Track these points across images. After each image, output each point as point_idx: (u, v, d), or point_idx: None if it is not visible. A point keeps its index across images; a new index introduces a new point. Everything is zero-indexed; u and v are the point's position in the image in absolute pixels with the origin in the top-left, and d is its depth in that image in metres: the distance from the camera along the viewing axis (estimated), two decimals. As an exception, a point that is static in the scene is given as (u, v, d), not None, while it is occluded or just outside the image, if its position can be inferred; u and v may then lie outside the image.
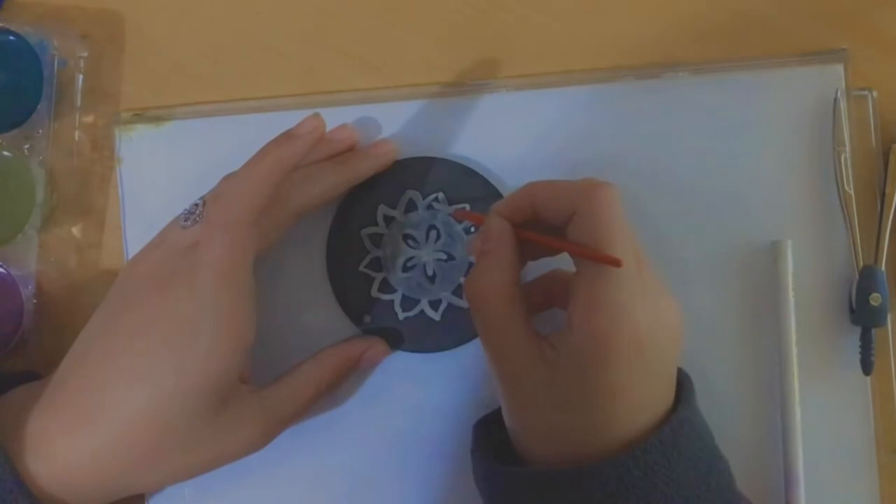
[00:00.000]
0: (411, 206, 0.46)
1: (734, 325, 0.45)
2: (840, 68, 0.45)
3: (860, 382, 0.45)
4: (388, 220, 0.46)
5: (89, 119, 0.47)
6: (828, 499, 0.44)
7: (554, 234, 0.38)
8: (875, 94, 0.45)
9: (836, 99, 0.45)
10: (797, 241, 0.45)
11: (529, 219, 0.39)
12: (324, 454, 0.45)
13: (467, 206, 0.45)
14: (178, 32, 0.47)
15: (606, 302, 0.36)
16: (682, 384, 0.39)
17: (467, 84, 0.47)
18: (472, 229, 0.45)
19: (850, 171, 0.44)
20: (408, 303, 0.45)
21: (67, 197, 0.47)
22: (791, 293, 0.44)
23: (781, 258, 0.44)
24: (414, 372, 0.45)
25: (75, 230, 0.47)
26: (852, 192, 0.44)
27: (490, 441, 0.40)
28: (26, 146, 0.46)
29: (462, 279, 0.45)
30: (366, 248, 0.46)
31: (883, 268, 0.44)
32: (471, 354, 0.45)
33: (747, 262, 0.45)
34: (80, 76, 0.47)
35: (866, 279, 0.44)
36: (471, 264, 0.45)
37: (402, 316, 0.45)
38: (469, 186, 0.45)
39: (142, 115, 0.47)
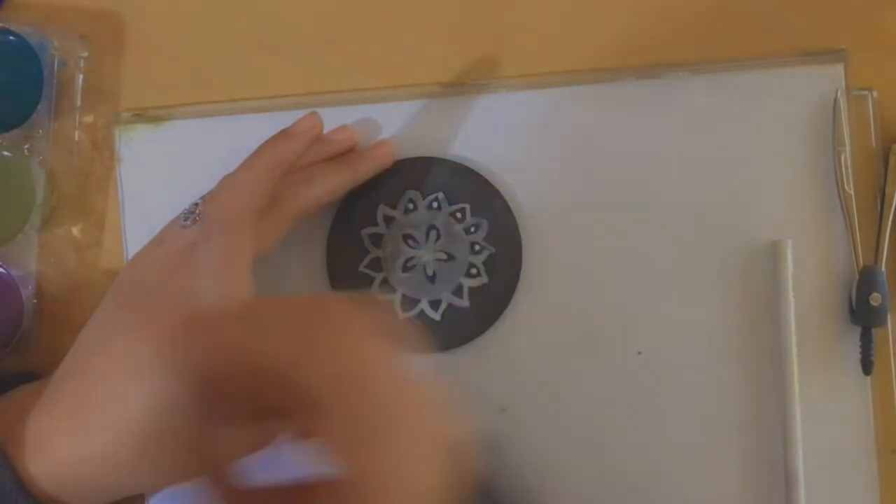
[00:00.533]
0: (411, 206, 0.46)
1: (734, 325, 0.45)
2: (840, 68, 0.45)
3: (860, 382, 0.45)
4: (388, 220, 0.46)
5: (89, 119, 0.47)
6: (828, 499, 0.44)
7: None
8: (875, 94, 0.45)
9: (836, 99, 0.45)
10: (797, 241, 0.45)
11: None
12: (323, 453, 0.45)
13: (467, 207, 0.45)
14: (178, 32, 0.47)
15: None
16: None
17: (467, 84, 0.47)
18: (473, 229, 0.45)
19: (850, 171, 0.44)
20: (408, 303, 0.45)
21: (67, 197, 0.47)
22: (791, 293, 0.44)
23: (781, 258, 0.44)
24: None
25: (75, 230, 0.47)
26: (852, 192, 0.44)
27: None
28: (26, 146, 0.46)
29: (462, 279, 0.45)
30: (366, 248, 0.46)
31: (883, 268, 0.44)
32: (471, 355, 0.45)
33: (747, 262, 0.45)
34: (80, 76, 0.47)
35: (866, 279, 0.44)
36: (471, 264, 0.45)
37: (402, 316, 0.45)
38: (469, 186, 0.45)
39: (142, 115, 0.47)
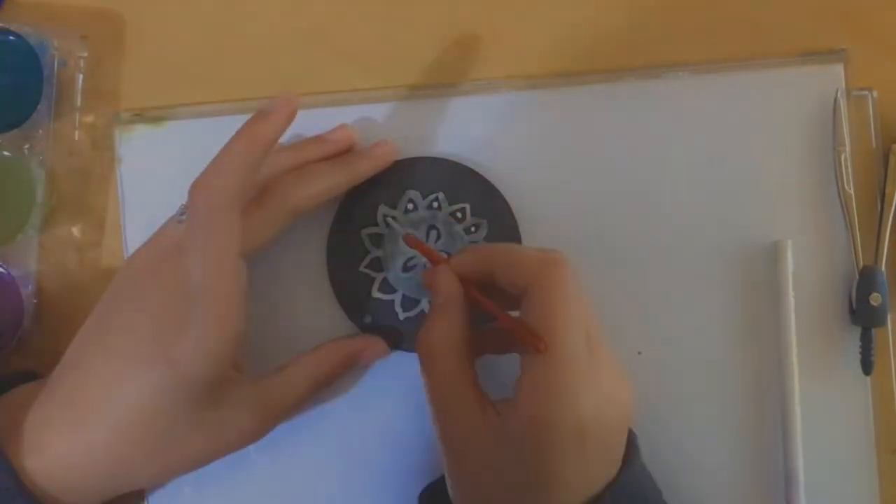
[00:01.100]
0: (411, 206, 0.46)
1: (734, 324, 0.45)
2: (840, 68, 0.45)
3: (860, 382, 0.45)
4: (388, 220, 0.46)
5: (89, 119, 0.47)
6: (828, 499, 0.44)
7: (509, 300, 0.38)
8: (875, 94, 0.45)
9: (836, 99, 0.45)
10: (797, 241, 0.45)
11: (486, 280, 0.39)
12: (323, 453, 0.45)
13: (467, 207, 0.45)
14: (178, 32, 0.47)
15: (551, 386, 0.36)
16: (628, 443, 0.39)
17: (466, 84, 0.47)
18: (473, 229, 0.45)
19: (850, 171, 0.44)
20: (408, 303, 0.45)
21: (67, 197, 0.47)
22: (791, 293, 0.44)
23: (781, 258, 0.44)
24: (414, 372, 0.45)
25: (75, 230, 0.47)
26: (852, 192, 0.44)
27: None
28: (26, 146, 0.46)
29: (462, 279, 0.45)
30: (366, 248, 0.46)
31: (883, 268, 0.44)
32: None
33: (747, 262, 0.45)
34: (80, 76, 0.47)
35: (866, 279, 0.44)
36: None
37: (402, 316, 0.45)
38: (469, 186, 0.46)
39: (142, 115, 0.47)
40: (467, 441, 0.37)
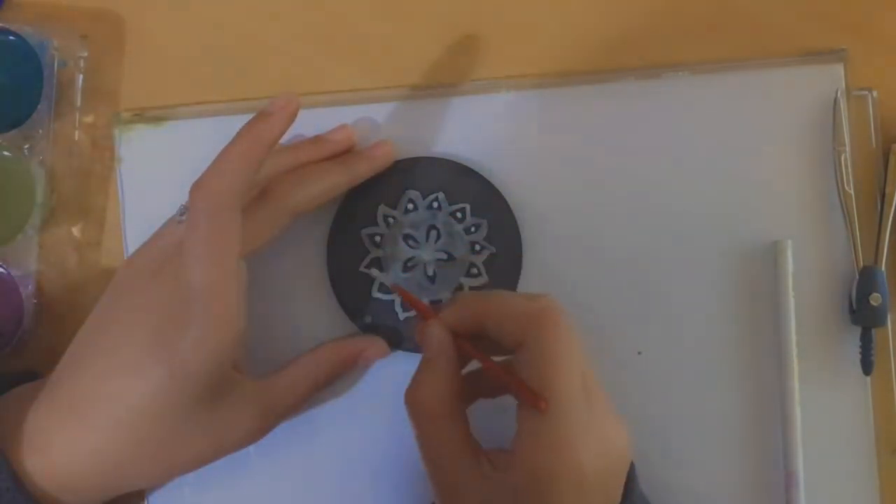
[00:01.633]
0: (411, 207, 0.46)
1: (734, 324, 0.45)
2: (840, 68, 0.45)
3: (860, 382, 0.45)
4: (388, 220, 0.46)
5: (89, 119, 0.47)
6: (828, 499, 0.44)
7: (502, 350, 0.38)
8: (875, 94, 0.45)
9: (836, 99, 0.45)
10: (797, 241, 0.45)
11: (478, 331, 0.39)
12: (323, 453, 0.45)
13: (467, 207, 0.45)
14: (178, 32, 0.47)
15: (549, 439, 0.35)
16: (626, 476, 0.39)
17: (467, 84, 0.46)
18: (473, 229, 0.45)
19: (850, 171, 0.44)
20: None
21: (67, 197, 0.47)
22: (791, 293, 0.44)
23: (781, 258, 0.44)
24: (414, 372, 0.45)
25: (75, 230, 0.47)
26: (852, 192, 0.44)
27: None
28: (26, 146, 0.46)
29: (462, 279, 0.45)
30: (366, 248, 0.46)
31: (883, 268, 0.44)
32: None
33: (747, 262, 0.45)
34: (80, 76, 0.47)
35: (866, 279, 0.44)
36: (471, 264, 0.45)
37: (402, 316, 0.45)
38: (469, 186, 0.46)
39: (142, 115, 0.47)
40: (461, 495, 0.37)
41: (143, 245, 0.42)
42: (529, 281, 0.45)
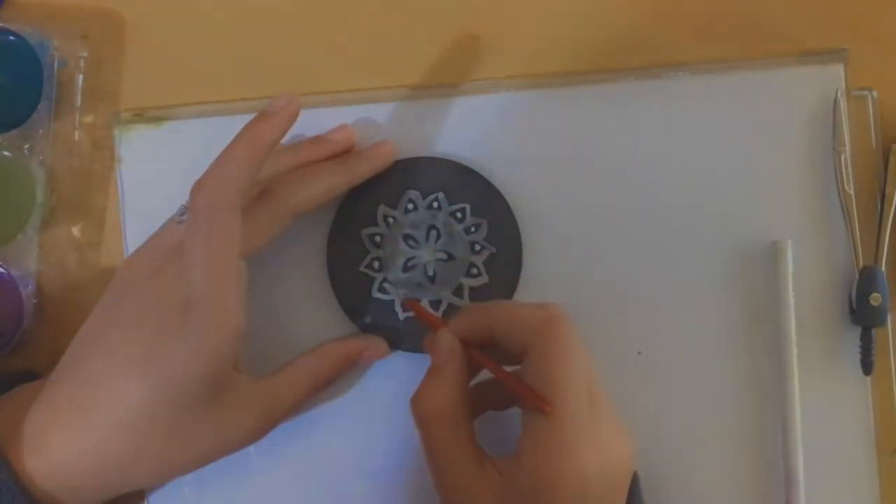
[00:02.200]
0: (411, 207, 0.46)
1: (734, 324, 0.45)
2: (840, 68, 0.45)
3: (860, 382, 0.45)
4: (388, 220, 0.46)
5: (89, 119, 0.47)
6: (828, 499, 0.44)
7: (510, 359, 0.39)
8: (875, 94, 0.45)
9: (836, 99, 0.45)
10: (797, 241, 0.45)
11: (486, 340, 0.39)
12: (324, 453, 0.45)
13: (467, 207, 0.45)
14: (178, 32, 0.47)
15: (554, 445, 0.36)
16: (630, 486, 0.39)
17: (467, 84, 0.47)
18: (473, 229, 0.45)
19: (850, 171, 0.44)
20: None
21: (67, 197, 0.47)
22: (791, 293, 0.44)
23: (781, 258, 0.44)
24: (415, 372, 0.45)
25: (75, 230, 0.47)
26: (852, 192, 0.44)
27: None
28: (26, 146, 0.46)
29: (462, 279, 0.45)
30: (366, 248, 0.46)
31: (883, 268, 0.44)
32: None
33: (747, 262, 0.45)
34: (80, 76, 0.47)
35: (866, 279, 0.44)
36: (471, 264, 0.45)
37: (402, 316, 0.45)
38: (469, 186, 0.46)
39: (142, 115, 0.47)
40: (467, 501, 0.37)
41: (143, 245, 0.42)
42: (529, 281, 0.45)
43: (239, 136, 0.39)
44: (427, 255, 0.45)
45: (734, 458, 0.45)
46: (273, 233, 0.42)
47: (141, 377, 0.37)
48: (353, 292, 0.45)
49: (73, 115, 0.47)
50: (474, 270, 0.45)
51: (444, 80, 0.47)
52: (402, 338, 0.45)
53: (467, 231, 0.45)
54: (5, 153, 0.45)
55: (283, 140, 0.42)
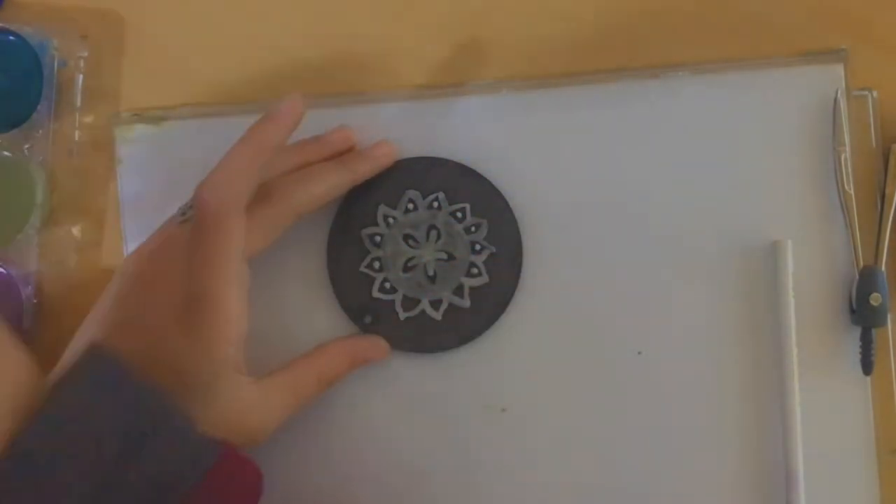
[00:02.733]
0: (411, 206, 0.46)
1: (734, 324, 0.45)
2: (840, 68, 0.45)
3: (860, 382, 0.45)
4: (388, 220, 0.46)
5: (89, 119, 0.47)
6: (828, 499, 0.44)
7: None
8: (875, 94, 0.45)
9: (836, 99, 0.45)
10: (797, 241, 0.45)
11: None
12: (324, 453, 0.45)
13: (467, 207, 0.45)
14: (178, 32, 0.47)
15: None
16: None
17: (467, 84, 0.47)
18: (473, 229, 0.45)
19: (850, 171, 0.44)
20: (408, 303, 0.45)
21: (67, 197, 0.47)
22: (791, 293, 0.44)
23: (781, 258, 0.44)
24: (415, 372, 0.45)
25: (75, 230, 0.47)
26: (852, 192, 0.44)
27: None
28: (26, 146, 0.46)
29: (463, 279, 0.45)
30: (366, 248, 0.46)
31: (883, 268, 0.44)
32: (472, 354, 0.45)
33: (747, 262, 0.45)
34: (80, 76, 0.47)
35: (866, 279, 0.44)
36: (471, 264, 0.45)
37: (402, 316, 0.45)
38: (469, 186, 0.46)
39: (142, 115, 0.47)
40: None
41: (143, 244, 0.42)
42: (529, 281, 0.45)
43: (244, 138, 0.39)
44: (427, 254, 0.45)
45: (734, 458, 0.45)
46: (275, 233, 0.42)
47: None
48: (353, 292, 0.45)
49: (73, 115, 0.47)
50: (474, 270, 0.45)
51: (445, 81, 0.47)
52: (403, 338, 0.45)
53: (467, 231, 0.45)
54: (5, 153, 0.45)
55: (284, 140, 0.42)
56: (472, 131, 0.46)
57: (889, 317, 0.44)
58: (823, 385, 0.44)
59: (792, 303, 0.44)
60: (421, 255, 0.45)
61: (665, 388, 0.45)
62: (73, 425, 0.32)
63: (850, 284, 0.45)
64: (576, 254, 0.46)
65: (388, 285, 0.45)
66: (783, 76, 0.45)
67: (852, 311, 0.44)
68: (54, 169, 0.46)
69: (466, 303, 0.45)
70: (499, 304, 0.45)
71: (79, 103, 0.47)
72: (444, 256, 0.45)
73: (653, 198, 0.45)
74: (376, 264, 0.46)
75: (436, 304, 0.45)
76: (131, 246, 0.46)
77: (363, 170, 0.44)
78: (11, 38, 0.45)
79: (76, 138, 0.47)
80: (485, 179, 0.46)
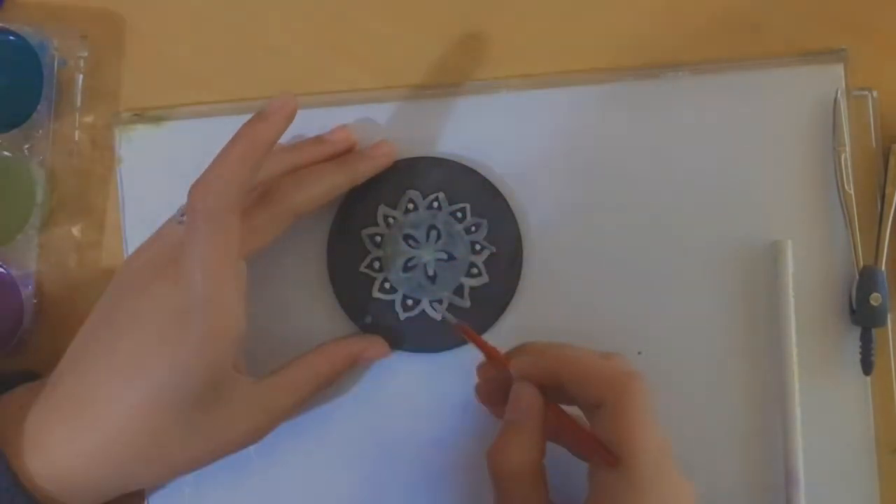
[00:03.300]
0: (411, 206, 0.46)
1: (734, 324, 0.45)
2: (840, 68, 0.45)
3: (860, 382, 0.45)
4: (388, 220, 0.46)
5: (89, 119, 0.47)
6: (828, 499, 0.44)
7: (569, 401, 0.39)
8: (875, 94, 0.45)
9: (836, 99, 0.45)
10: (797, 241, 0.45)
11: (548, 384, 0.39)
12: (324, 453, 0.45)
13: (467, 207, 0.45)
14: (177, 32, 0.47)
15: (621, 500, 0.36)
16: None
17: (467, 84, 0.47)
18: (473, 229, 0.45)
19: (850, 171, 0.44)
20: (409, 303, 0.45)
21: (67, 197, 0.47)
22: (791, 293, 0.44)
23: (781, 258, 0.44)
24: (415, 372, 0.45)
25: (75, 230, 0.47)
26: (852, 192, 0.44)
27: None
28: (26, 146, 0.46)
29: (463, 279, 0.45)
30: (366, 248, 0.46)
31: (883, 268, 0.44)
32: (472, 354, 0.45)
33: (747, 262, 0.45)
34: (80, 76, 0.47)
35: (866, 279, 0.44)
36: (471, 264, 0.45)
37: (402, 316, 0.45)
38: (469, 186, 0.46)
39: (142, 115, 0.47)
40: None
41: (143, 245, 0.42)
42: (529, 281, 0.45)
43: (236, 137, 0.39)
44: (427, 254, 0.45)
45: (734, 458, 0.45)
46: (274, 234, 0.42)
47: (141, 378, 0.37)
48: (353, 292, 0.45)
49: (73, 115, 0.47)
50: (474, 270, 0.45)
51: (445, 80, 0.47)
52: (403, 338, 0.45)
53: (467, 231, 0.45)
54: (5, 153, 0.45)
55: (284, 141, 0.42)
56: (472, 131, 0.46)
57: (889, 317, 0.44)
58: (823, 385, 0.45)
59: (792, 303, 0.44)
60: (421, 255, 0.45)
61: (665, 388, 0.45)
62: None
63: (850, 284, 0.45)
64: (576, 254, 0.46)
65: (388, 285, 0.45)
66: (783, 76, 0.45)
67: (852, 311, 0.44)
68: (54, 169, 0.46)
69: (466, 303, 0.45)
70: (499, 304, 0.45)
71: (79, 103, 0.47)
72: (444, 256, 0.45)
73: (652, 198, 0.46)
74: (376, 264, 0.46)
75: (436, 304, 0.45)
76: (131, 246, 0.46)
77: (363, 170, 0.44)
78: (11, 38, 0.45)
79: (76, 138, 0.47)
80: (485, 179, 0.46)
